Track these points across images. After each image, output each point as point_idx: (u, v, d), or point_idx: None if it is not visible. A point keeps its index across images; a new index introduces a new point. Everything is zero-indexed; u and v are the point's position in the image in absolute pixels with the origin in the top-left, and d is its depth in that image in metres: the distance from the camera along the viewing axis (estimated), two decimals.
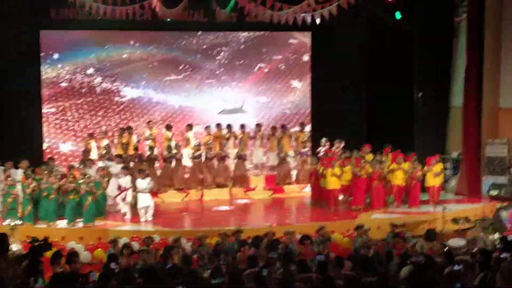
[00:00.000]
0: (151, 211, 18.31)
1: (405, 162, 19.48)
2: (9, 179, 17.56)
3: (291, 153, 22.59)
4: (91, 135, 21.71)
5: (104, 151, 20.67)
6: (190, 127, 22.58)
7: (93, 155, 20.91)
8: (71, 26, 22.39)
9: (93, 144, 21.32)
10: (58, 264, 12.00)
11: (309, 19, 21.23)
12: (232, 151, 22.11)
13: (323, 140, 21.92)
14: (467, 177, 20.93)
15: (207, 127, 22.52)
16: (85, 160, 19.97)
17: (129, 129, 21.99)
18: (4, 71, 21.40)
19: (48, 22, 22.12)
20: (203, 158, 21.55)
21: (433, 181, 19.58)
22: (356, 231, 15.59)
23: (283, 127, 23.19)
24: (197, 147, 21.47)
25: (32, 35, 21.93)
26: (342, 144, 21.35)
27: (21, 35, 21.38)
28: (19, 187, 17.77)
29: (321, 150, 21.59)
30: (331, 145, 21.67)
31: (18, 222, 16.03)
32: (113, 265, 10.82)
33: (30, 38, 21.86)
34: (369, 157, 20.14)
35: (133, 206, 18.62)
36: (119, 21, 21.25)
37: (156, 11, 20.68)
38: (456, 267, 10.26)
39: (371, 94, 24.12)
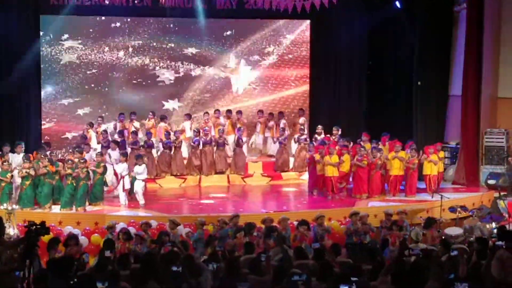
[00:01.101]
0: (139, 195, 18.38)
1: (403, 151, 19.50)
2: (4, 163, 17.52)
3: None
4: (91, 124, 21.64)
5: (102, 137, 20.66)
6: (188, 116, 22.56)
7: (93, 144, 20.90)
8: (71, 12, 22.32)
9: (92, 133, 21.29)
10: (55, 250, 12.04)
11: (308, 7, 21.29)
12: (230, 137, 22.08)
13: (319, 127, 21.88)
14: (465, 166, 20.95)
15: (206, 113, 22.51)
16: (81, 145, 19.92)
17: (133, 114, 21.99)
18: (4, 57, 21.37)
19: (48, 7, 22.04)
20: (200, 145, 21.53)
21: (430, 170, 19.59)
22: (351, 217, 15.61)
23: (281, 113, 23.17)
24: (196, 133, 21.44)
25: (32, 20, 21.85)
26: (340, 131, 21.30)
27: (21, 20, 21.33)
28: (15, 172, 17.77)
29: (317, 137, 21.55)
30: (326, 133, 21.61)
31: (15, 206, 16.03)
32: (107, 253, 10.80)
33: (30, 23, 21.80)
34: (368, 146, 20.14)
35: (129, 192, 18.63)
36: (119, 7, 21.41)
37: None
38: (452, 253, 10.29)
39: (370, 82, 24.09)
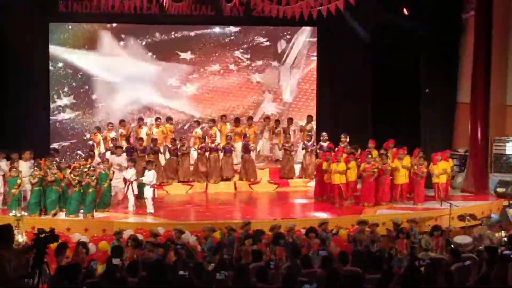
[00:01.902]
0: (149, 203, 18.32)
1: (407, 158, 19.44)
2: (13, 170, 17.54)
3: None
4: (98, 128, 21.70)
5: (111, 144, 20.68)
6: (197, 123, 22.57)
7: (101, 148, 20.95)
8: (79, 19, 22.43)
9: (99, 137, 21.32)
10: (63, 256, 12.03)
11: (315, 14, 21.29)
12: (237, 144, 22.06)
13: (324, 134, 21.85)
14: (473, 174, 20.86)
15: (212, 121, 22.49)
16: (90, 152, 19.93)
17: (141, 120, 22.01)
18: (13, 64, 21.44)
19: (57, 15, 22.14)
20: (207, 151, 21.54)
21: (439, 178, 19.52)
22: (358, 225, 15.56)
23: (290, 120, 23.17)
24: (202, 140, 21.43)
25: (40, 27, 21.93)
26: (348, 139, 21.25)
27: (30, 28, 21.40)
28: (25, 178, 17.78)
29: (323, 144, 21.52)
30: (330, 140, 21.59)
31: (24, 213, 16.03)
32: (116, 261, 10.80)
33: (39, 30, 21.87)
34: (375, 153, 20.09)
35: (137, 198, 18.61)
36: (127, 15, 21.45)
37: (163, 5, 20.77)
38: (466, 263, 10.25)
39: (377, 90, 24.04)
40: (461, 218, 17.10)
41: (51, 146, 21.60)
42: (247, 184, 21.76)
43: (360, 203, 19.27)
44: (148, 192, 18.28)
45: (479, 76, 20.61)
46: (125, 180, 18.71)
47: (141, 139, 21.01)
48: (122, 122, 21.92)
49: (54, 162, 18.22)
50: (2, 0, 20.55)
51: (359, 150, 20.48)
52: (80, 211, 17.62)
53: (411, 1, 21.82)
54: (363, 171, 19.19)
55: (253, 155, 22.20)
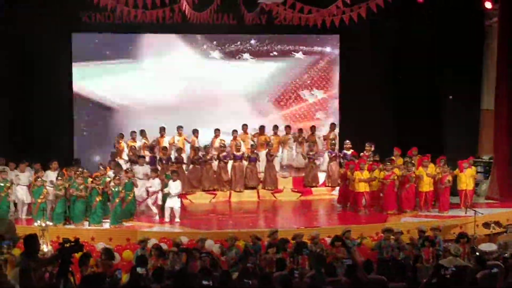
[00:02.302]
0: (178, 213, 18.30)
1: (431, 165, 19.35)
2: (38, 180, 17.64)
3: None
4: (121, 136, 21.82)
5: (131, 153, 20.78)
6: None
7: (125, 156, 21.08)
8: (102, 29, 22.59)
9: (123, 144, 21.43)
10: (86, 266, 12.07)
11: (337, 22, 21.30)
12: (261, 153, 22.09)
13: (347, 142, 21.83)
14: (498, 181, 20.72)
15: (234, 131, 22.49)
16: (113, 161, 20.03)
17: (162, 130, 22.06)
18: (36, 74, 21.63)
19: (79, 25, 22.32)
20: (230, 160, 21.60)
21: (465, 185, 19.39)
22: (383, 233, 15.49)
23: (312, 128, 23.12)
24: (223, 149, 21.48)
25: (63, 37, 22.11)
26: (373, 148, 21.19)
27: (53, 38, 21.58)
28: (50, 188, 17.90)
29: (346, 152, 21.49)
30: (353, 148, 21.58)
31: (49, 223, 16.13)
32: (140, 270, 10.83)
33: (62, 41, 22.05)
34: (400, 161, 20.02)
35: (161, 207, 18.67)
36: (149, 25, 21.58)
37: (185, 14, 20.89)
38: (493, 270, 10.16)
39: (400, 97, 23.99)
40: (486, 225, 16.97)
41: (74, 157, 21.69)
42: (271, 193, 21.76)
43: (384, 211, 19.17)
44: (175, 202, 18.28)
45: (503, 83, 20.51)
46: (147, 190, 18.78)
47: (165, 148, 21.07)
48: (143, 132, 21.97)
49: (78, 172, 18.27)
50: (26, 12, 20.77)
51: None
52: (104, 220, 17.70)
53: (434, 8, 21.74)
54: (383, 179, 19.12)
55: (276, 164, 22.20)
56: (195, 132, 22.18)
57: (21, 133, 21.41)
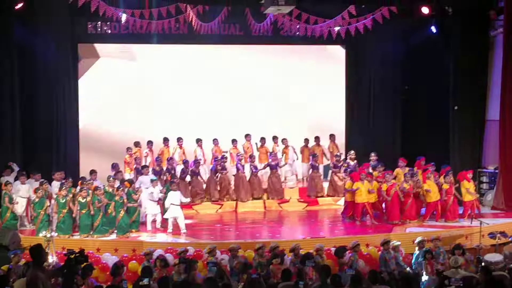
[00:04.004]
0: (182, 223, 18.33)
1: (435, 177, 19.38)
2: (39, 191, 17.69)
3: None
4: (137, 143, 21.93)
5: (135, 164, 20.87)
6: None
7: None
8: (108, 40, 22.71)
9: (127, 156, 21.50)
10: (89, 277, 12.14)
11: (343, 33, 21.47)
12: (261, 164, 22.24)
13: (352, 152, 21.88)
14: (504, 191, 20.66)
15: (234, 141, 22.57)
16: (117, 172, 20.05)
17: (166, 140, 22.14)
18: (43, 85, 21.73)
19: (85, 36, 22.43)
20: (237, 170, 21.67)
21: (469, 196, 19.38)
22: (382, 246, 15.49)
23: (317, 138, 23.17)
24: (224, 160, 21.59)
25: (70, 48, 22.21)
26: (376, 157, 21.24)
27: (59, 49, 21.70)
28: (53, 200, 17.97)
29: (350, 163, 21.53)
30: (356, 158, 21.66)
31: (54, 234, 16.16)
32: (144, 281, 10.88)
33: (68, 52, 22.16)
34: (406, 171, 20.05)
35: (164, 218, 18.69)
36: (156, 35, 21.72)
37: (192, 25, 21.05)
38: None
39: (406, 107, 24.08)
40: (492, 235, 16.94)
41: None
42: (277, 203, 21.78)
43: (389, 221, 19.16)
44: (178, 212, 18.30)
45: (508, 93, 20.49)
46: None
47: (171, 159, 21.17)
48: (149, 143, 22.04)
49: (83, 185, 18.27)
50: (32, 23, 20.89)
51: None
52: (109, 230, 17.76)
53: (440, 19, 21.79)
54: (386, 194, 19.12)
55: (281, 174, 22.25)
56: (198, 141, 22.34)
57: (26, 144, 21.40)
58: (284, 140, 22.81)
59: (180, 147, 22.11)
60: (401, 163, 20.65)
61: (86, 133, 22.93)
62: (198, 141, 22.30)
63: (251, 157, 21.83)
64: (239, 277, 13.40)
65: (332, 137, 23.36)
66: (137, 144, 21.96)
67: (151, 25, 21.51)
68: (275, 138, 22.84)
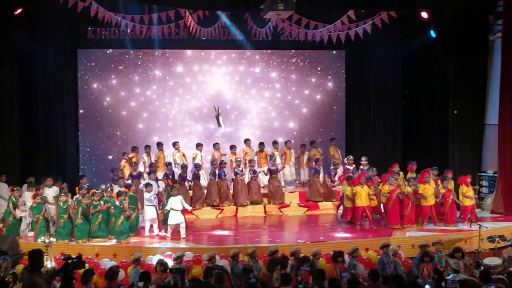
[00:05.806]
0: (183, 229, 18.31)
1: (433, 180, 19.36)
2: (37, 197, 17.70)
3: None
4: (124, 153, 21.90)
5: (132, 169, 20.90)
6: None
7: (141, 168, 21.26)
8: (107, 45, 22.77)
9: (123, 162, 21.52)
10: (89, 283, 12.16)
11: (343, 38, 21.53)
12: (263, 168, 22.25)
13: (350, 157, 21.93)
14: (503, 196, 20.64)
15: (233, 146, 22.67)
16: (117, 178, 20.06)
17: (160, 145, 22.17)
18: (42, 91, 21.79)
19: (85, 41, 22.49)
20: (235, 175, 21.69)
21: (468, 201, 19.38)
22: (382, 249, 15.50)
23: (312, 142, 23.21)
24: (223, 165, 21.60)
25: (69, 54, 22.28)
26: (367, 162, 21.31)
27: (59, 54, 21.77)
28: (51, 205, 17.98)
29: (349, 167, 21.53)
30: (355, 163, 21.69)
31: (52, 239, 16.17)
32: (140, 285, 10.90)
33: (68, 57, 22.23)
34: (413, 175, 20.09)
35: (162, 222, 18.67)
36: (155, 40, 21.78)
37: (191, 30, 21.12)
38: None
39: (405, 112, 24.11)
40: (491, 239, 16.95)
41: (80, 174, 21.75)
42: (277, 208, 21.78)
43: (388, 225, 19.16)
44: (179, 218, 18.25)
45: (507, 97, 20.49)
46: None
47: (170, 164, 21.21)
48: (147, 148, 22.07)
49: (83, 190, 18.25)
50: (31, 28, 20.96)
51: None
52: (109, 236, 17.77)
53: (439, 23, 21.82)
54: (387, 198, 19.13)
55: (281, 179, 22.26)
56: (199, 146, 22.43)
57: (26, 150, 21.46)
58: (287, 142, 22.97)
59: (178, 150, 22.13)
60: (396, 168, 20.48)
61: (86, 137, 22.96)
62: (199, 145, 22.33)
63: (251, 161, 21.81)
64: (241, 281, 13.44)
65: (333, 141, 23.38)
66: (134, 149, 22.00)
67: (151, 31, 21.58)
68: (275, 143, 22.87)
